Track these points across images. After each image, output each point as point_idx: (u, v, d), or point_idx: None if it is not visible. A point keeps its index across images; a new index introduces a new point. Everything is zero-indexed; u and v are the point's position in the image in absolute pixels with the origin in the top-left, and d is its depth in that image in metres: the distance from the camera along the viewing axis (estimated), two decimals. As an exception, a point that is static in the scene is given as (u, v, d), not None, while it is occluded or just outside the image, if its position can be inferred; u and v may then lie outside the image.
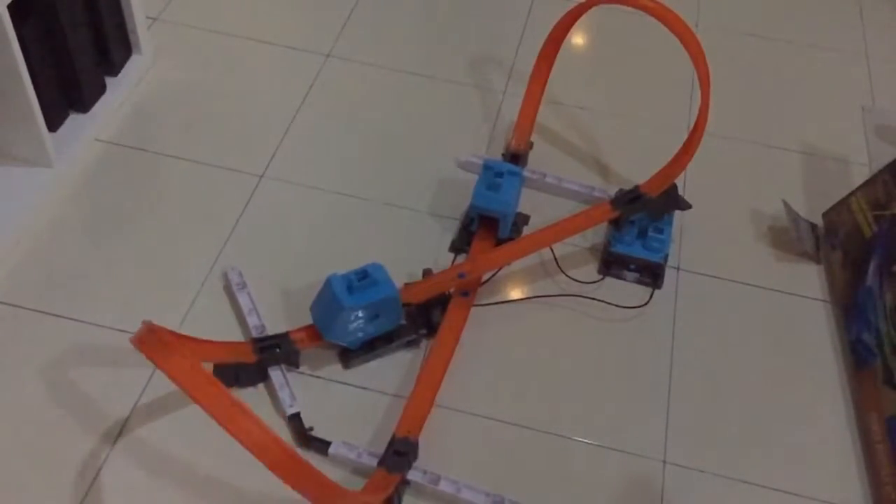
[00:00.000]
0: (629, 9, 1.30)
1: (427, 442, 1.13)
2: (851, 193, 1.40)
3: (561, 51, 1.50)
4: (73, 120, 1.45)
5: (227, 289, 1.29)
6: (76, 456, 1.10)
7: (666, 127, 1.61)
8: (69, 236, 1.34)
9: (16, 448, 1.10)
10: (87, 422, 1.13)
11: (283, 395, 1.16)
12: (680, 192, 1.41)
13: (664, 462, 1.17)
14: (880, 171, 1.34)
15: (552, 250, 1.37)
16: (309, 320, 1.22)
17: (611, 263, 1.37)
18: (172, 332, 1.09)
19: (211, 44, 1.67)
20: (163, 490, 1.08)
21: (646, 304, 1.34)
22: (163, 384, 1.17)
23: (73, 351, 1.20)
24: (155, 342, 0.88)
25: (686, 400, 1.23)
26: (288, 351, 1.19)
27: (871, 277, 1.29)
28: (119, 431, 1.13)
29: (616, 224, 1.37)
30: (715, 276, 1.39)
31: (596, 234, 1.42)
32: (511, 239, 1.37)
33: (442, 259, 1.36)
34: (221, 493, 1.09)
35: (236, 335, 1.24)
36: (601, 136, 1.59)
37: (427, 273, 1.30)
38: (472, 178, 1.41)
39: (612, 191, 1.43)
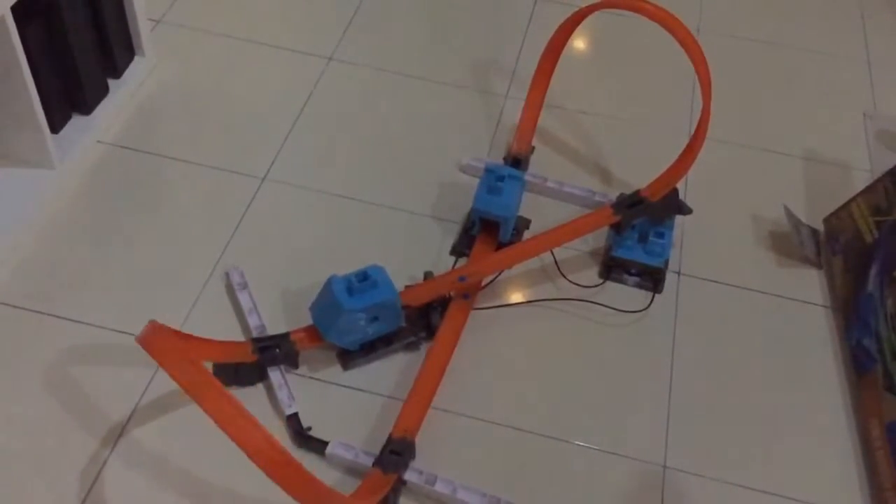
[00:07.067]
0: (631, 13, 1.31)
1: (424, 443, 1.13)
2: (853, 199, 1.40)
3: (563, 54, 1.50)
4: (76, 122, 1.46)
5: (229, 288, 1.29)
6: (77, 457, 1.10)
7: (667, 131, 1.61)
8: (71, 237, 1.34)
9: (16, 449, 1.10)
10: (88, 423, 1.13)
11: (282, 394, 1.16)
12: (681, 196, 1.41)
13: (664, 467, 1.17)
14: (881, 177, 1.34)
15: (553, 254, 1.37)
16: (309, 321, 1.22)
17: (612, 267, 1.37)
18: (176, 331, 1.10)
19: (213, 46, 1.67)
20: (163, 491, 1.08)
21: (646, 308, 1.33)
22: (164, 385, 1.17)
23: (75, 352, 1.20)
24: (159, 342, 0.88)
25: (686, 405, 1.23)
26: (287, 351, 1.19)
27: (871, 283, 1.28)
28: (120, 432, 1.13)
29: (617, 228, 1.37)
30: (716, 281, 1.39)
31: (597, 239, 1.42)
32: (512, 243, 1.37)
33: (443, 262, 1.36)
34: (221, 495, 1.09)
35: (237, 334, 1.24)
36: (603, 140, 1.59)
37: (428, 276, 1.30)
38: (474, 182, 1.41)
39: (614, 195, 1.44)
